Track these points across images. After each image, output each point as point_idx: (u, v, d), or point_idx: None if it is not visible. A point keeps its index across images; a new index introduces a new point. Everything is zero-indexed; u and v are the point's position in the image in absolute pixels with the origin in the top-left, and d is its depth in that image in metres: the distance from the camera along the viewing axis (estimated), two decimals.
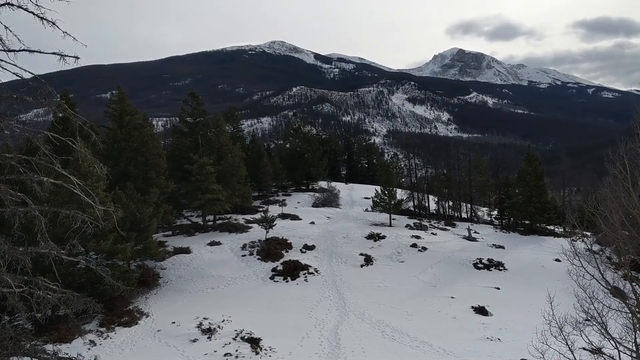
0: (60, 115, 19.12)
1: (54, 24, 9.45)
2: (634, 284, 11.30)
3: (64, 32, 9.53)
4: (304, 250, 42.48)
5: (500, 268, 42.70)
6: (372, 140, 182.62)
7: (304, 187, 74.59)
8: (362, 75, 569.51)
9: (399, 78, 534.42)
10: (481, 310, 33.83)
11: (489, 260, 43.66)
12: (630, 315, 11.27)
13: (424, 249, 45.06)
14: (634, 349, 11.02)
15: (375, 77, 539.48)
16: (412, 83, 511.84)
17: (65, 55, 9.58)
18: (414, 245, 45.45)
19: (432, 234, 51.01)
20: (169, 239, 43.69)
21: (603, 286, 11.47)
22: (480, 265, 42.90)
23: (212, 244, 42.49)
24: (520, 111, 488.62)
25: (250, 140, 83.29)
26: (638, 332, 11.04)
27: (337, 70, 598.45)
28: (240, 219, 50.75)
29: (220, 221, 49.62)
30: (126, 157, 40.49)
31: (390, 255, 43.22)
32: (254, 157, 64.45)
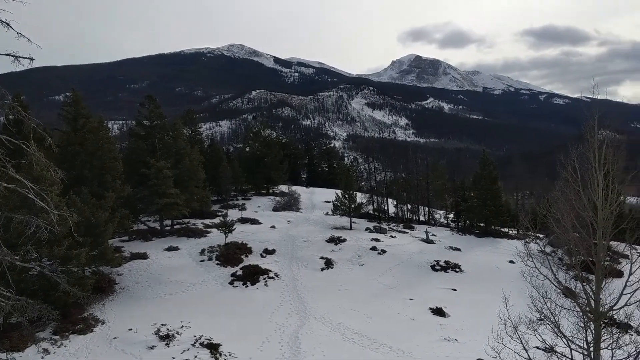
0: (12, 117, 18.55)
1: (7, 24, 9.19)
2: (584, 284, 11.72)
3: (18, 33, 9.28)
4: (264, 254, 42.29)
5: (457, 270, 43.50)
6: (332, 144, 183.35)
7: (264, 191, 74.29)
8: (321, 79, 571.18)
9: (358, 83, 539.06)
10: (439, 312, 34.40)
11: (446, 262, 44.44)
12: (581, 314, 11.68)
13: (384, 251, 45.49)
14: (585, 347, 11.42)
15: (334, 82, 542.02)
16: (371, 88, 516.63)
17: (20, 57, 9.33)
18: (373, 248, 45.82)
19: (392, 236, 51.56)
20: (125, 244, 42.81)
21: (556, 286, 11.86)
22: (437, 267, 43.62)
23: (170, 249, 41.83)
24: (475, 117, 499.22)
25: (209, 143, 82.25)
26: (589, 330, 11.46)
27: (297, 74, 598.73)
28: (199, 223, 50.16)
29: (178, 226, 48.91)
30: (81, 160, 39.50)
31: (350, 258, 43.47)
32: (212, 160, 63.79)
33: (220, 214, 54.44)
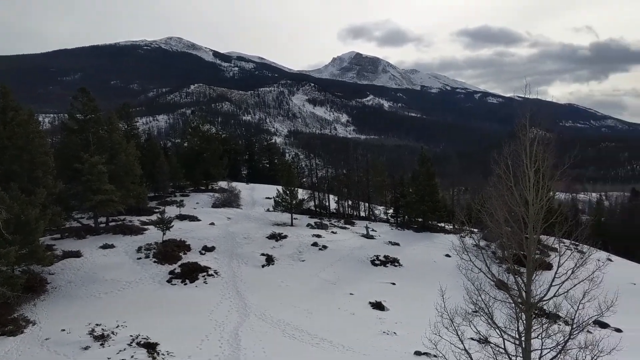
0: None
1: None
2: (516, 276, 12.19)
3: None
4: (203, 252, 41.67)
5: (396, 264, 44.36)
6: (273, 140, 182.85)
7: (203, 188, 73.12)
8: (262, 74, 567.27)
9: (299, 79, 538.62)
10: (378, 306, 34.98)
11: (385, 257, 45.23)
12: (513, 305, 12.14)
13: (325, 247, 45.80)
14: (517, 336, 11.88)
15: (275, 77, 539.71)
16: (312, 84, 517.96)
17: None
18: (315, 244, 46.06)
19: (333, 232, 51.96)
20: (57, 242, 41.15)
21: (489, 279, 12.27)
22: (377, 262, 44.33)
23: (105, 246, 40.54)
24: (413, 114, 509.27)
25: (145, 138, 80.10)
26: (520, 321, 11.93)
27: (237, 69, 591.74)
28: (136, 220, 48.84)
29: (113, 223, 47.42)
30: (10, 155, 37.58)
31: (291, 254, 43.50)
32: (149, 156, 62.19)
33: (157, 210, 53.15)
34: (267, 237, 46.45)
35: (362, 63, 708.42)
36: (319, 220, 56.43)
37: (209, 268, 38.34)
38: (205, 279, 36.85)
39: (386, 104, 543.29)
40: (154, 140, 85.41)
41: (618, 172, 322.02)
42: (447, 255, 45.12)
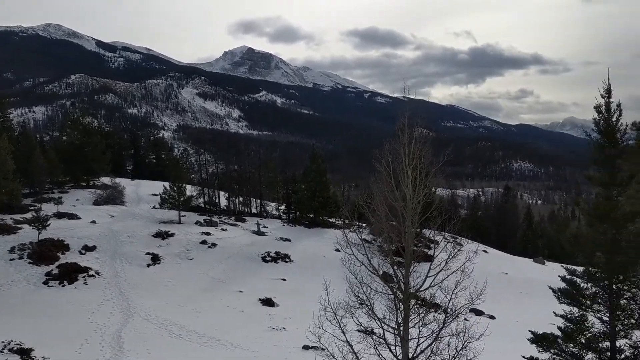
0: None
1: None
2: (395, 268, 12.74)
3: None
4: (83, 251, 39.52)
5: (287, 260, 44.73)
6: (161, 135, 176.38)
7: (84, 184, 69.06)
8: (149, 66, 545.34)
9: (189, 72, 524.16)
10: (268, 302, 35.11)
11: (276, 253, 45.44)
12: (393, 297, 12.67)
13: (214, 245, 45.17)
14: (396, 327, 12.43)
15: (164, 70, 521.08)
16: (203, 78, 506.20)
17: None
18: (203, 242, 45.28)
19: (223, 229, 51.33)
20: None
21: (370, 271, 12.72)
22: (268, 259, 44.44)
23: None
24: (306, 111, 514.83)
25: (20, 131, 74.29)
26: (399, 311, 12.48)
27: (122, 59, 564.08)
28: (8, 219, 45.18)
29: None
30: None
31: (179, 253, 42.45)
32: (24, 150, 57.78)
33: (33, 208, 49.52)
34: (153, 236, 44.96)
35: (255, 58, 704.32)
36: (208, 218, 55.45)
37: (90, 268, 36.49)
38: (85, 280, 35.05)
39: (279, 100, 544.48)
40: (30, 133, 79.26)
41: (493, 170, 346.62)
42: (337, 250, 46.11)
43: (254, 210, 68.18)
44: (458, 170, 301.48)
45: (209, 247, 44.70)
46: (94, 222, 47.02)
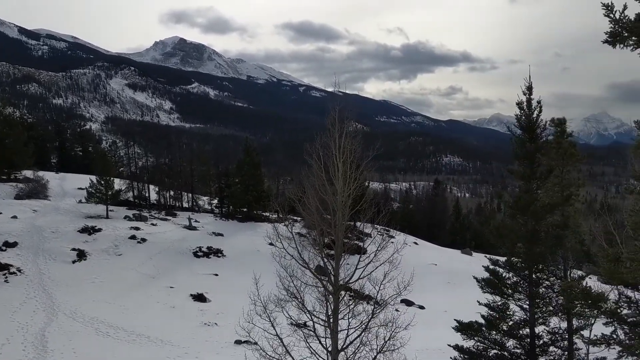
0: None
1: None
2: (326, 260, 12.82)
3: None
4: (4, 248, 37.51)
5: (219, 255, 44.24)
6: (88, 127, 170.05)
7: (5, 177, 65.43)
8: (76, 55, 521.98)
9: (118, 62, 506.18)
10: (200, 297, 34.62)
11: (208, 247, 44.84)
12: (323, 290, 12.77)
13: (144, 240, 44.08)
14: (325, 319, 12.53)
15: (91, 59, 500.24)
16: (133, 68, 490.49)
17: None
18: (133, 237, 44.09)
19: (153, 224, 50.18)
20: None
21: (300, 265, 12.75)
22: (200, 254, 43.78)
23: None
24: (240, 104, 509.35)
25: None
26: (329, 304, 12.59)
27: (46, 47, 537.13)
28: None
29: None
30: None
31: (106, 248, 41.12)
32: None
33: None
34: (79, 231, 43.31)
35: (187, 49, 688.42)
36: (137, 212, 53.99)
37: (11, 265, 34.69)
38: (6, 277, 33.30)
39: (212, 93, 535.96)
40: None
41: (425, 164, 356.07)
42: (271, 244, 45.91)
43: (185, 205, 66.94)
44: (391, 164, 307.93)
45: (138, 242, 43.53)
46: (15, 217, 44.67)
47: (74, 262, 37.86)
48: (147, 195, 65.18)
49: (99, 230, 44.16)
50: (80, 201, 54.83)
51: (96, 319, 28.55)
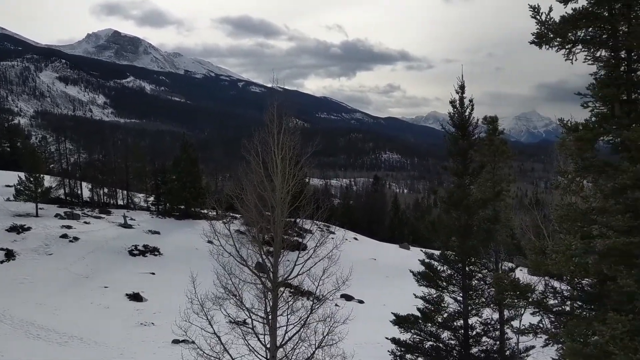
0: None
1: None
2: (265, 257, 12.78)
3: None
4: None
5: (156, 253, 43.34)
6: (16, 121, 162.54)
7: None
8: (3, 47, 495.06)
9: (48, 54, 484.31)
10: (136, 297, 33.82)
11: (144, 246, 43.84)
12: (262, 287, 12.72)
13: (76, 239, 42.67)
14: (264, 316, 12.50)
15: (19, 51, 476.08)
16: (64, 61, 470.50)
17: None
18: (64, 236, 42.59)
19: (86, 222, 48.67)
20: None
21: (238, 262, 12.65)
22: (135, 252, 42.74)
23: None
24: (177, 99, 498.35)
25: None
26: (267, 300, 12.56)
27: None
28: None
29: None
30: None
31: (36, 248, 39.54)
32: None
33: None
34: (7, 230, 41.56)
35: (121, 42, 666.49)
36: (69, 210, 52.11)
37: None
38: None
39: (148, 87, 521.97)
40: None
41: (365, 160, 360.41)
42: (210, 242, 45.40)
43: (120, 202, 65.16)
44: (332, 160, 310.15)
45: (70, 241, 42.03)
46: None
47: (2, 262, 36.26)
48: (79, 192, 63.02)
49: (28, 229, 42.36)
50: (8, 199, 52.30)
51: (26, 321, 27.34)
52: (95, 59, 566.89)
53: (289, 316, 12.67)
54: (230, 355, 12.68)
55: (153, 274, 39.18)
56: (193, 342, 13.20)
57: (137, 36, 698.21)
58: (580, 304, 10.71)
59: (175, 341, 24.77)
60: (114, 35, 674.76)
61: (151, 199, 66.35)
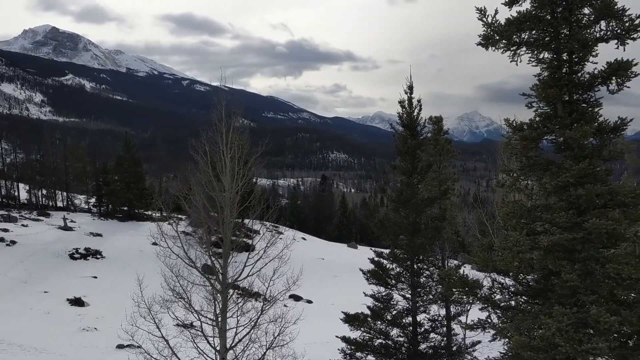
0: None
1: None
2: (214, 258, 12.56)
3: None
4: None
5: (98, 256, 42.10)
6: None
7: None
8: None
9: None
10: (77, 302, 32.78)
11: (86, 249, 42.54)
12: (211, 288, 12.49)
13: (13, 242, 41.02)
14: (214, 318, 12.27)
15: None
16: None
17: None
18: (1, 240, 40.99)
19: (23, 225, 46.90)
20: None
21: (187, 264, 12.38)
22: (76, 256, 41.42)
23: None
24: (119, 97, 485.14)
25: None
26: (217, 302, 12.33)
27: None
28: None
29: None
30: None
31: None
32: None
33: None
34: None
35: (60, 38, 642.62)
36: (6, 213, 49.98)
37: None
38: None
39: (88, 85, 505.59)
40: None
41: (312, 160, 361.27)
42: (155, 244, 44.40)
43: (60, 204, 62.90)
44: (279, 160, 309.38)
45: (7, 244, 40.31)
46: None
47: None
48: (16, 194, 60.49)
49: None
50: None
51: None
52: (33, 56, 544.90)
53: (239, 317, 12.50)
54: (178, 359, 12.39)
55: (95, 277, 37.99)
56: (139, 347, 12.82)
57: (76, 32, 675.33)
58: (526, 298, 11.02)
59: (120, 346, 24.08)
60: (52, 31, 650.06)
61: (92, 200, 64.38)
